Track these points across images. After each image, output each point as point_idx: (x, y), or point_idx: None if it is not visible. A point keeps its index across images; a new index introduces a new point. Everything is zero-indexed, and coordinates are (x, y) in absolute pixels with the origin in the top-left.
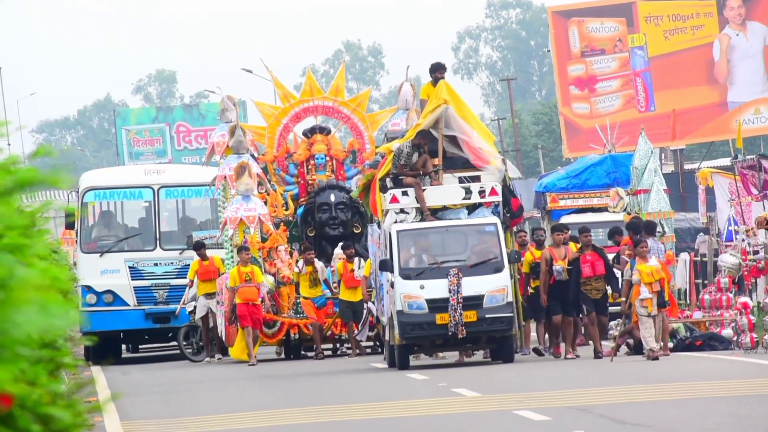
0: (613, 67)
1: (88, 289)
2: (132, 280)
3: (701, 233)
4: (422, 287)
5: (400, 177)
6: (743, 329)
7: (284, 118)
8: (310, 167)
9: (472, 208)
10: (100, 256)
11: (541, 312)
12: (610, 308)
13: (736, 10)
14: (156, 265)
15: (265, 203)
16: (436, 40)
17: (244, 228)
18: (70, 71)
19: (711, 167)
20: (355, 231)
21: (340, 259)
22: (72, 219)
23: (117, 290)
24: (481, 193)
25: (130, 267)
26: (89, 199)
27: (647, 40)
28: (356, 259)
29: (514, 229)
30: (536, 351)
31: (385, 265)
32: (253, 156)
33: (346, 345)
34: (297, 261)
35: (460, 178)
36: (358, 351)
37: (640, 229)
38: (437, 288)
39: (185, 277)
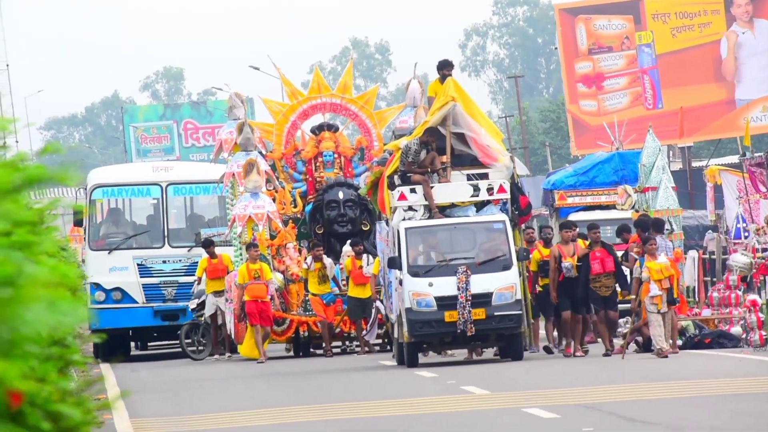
0: (620, 64)
1: (96, 286)
2: (140, 277)
3: (710, 231)
4: (431, 285)
5: (408, 174)
6: (752, 327)
7: (292, 115)
8: (318, 164)
9: (480, 206)
10: (109, 253)
11: (550, 310)
12: (619, 305)
13: (743, 7)
14: (164, 262)
15: (274, 200)
16: (443, 38)
17: (252, 225)
18: (77, 68)
19: (719, 165)
20: (364, 228)
21: (348, 256)
22: (80, 216)
23: (125, 287)
24: (490, 190)
25: (138, 264)
26: (97, 197)
27: (654, 37)
28: (365, 256)
29: (522, 226)
30: (546, 349)
31: (394, 263)
32: (261, 153)
33: (355, 343)
34: (306, 258)
35: (468, 175)
36: (367, 349)
37: (648, 226)
38: (446, 285)
39: (194, 275)
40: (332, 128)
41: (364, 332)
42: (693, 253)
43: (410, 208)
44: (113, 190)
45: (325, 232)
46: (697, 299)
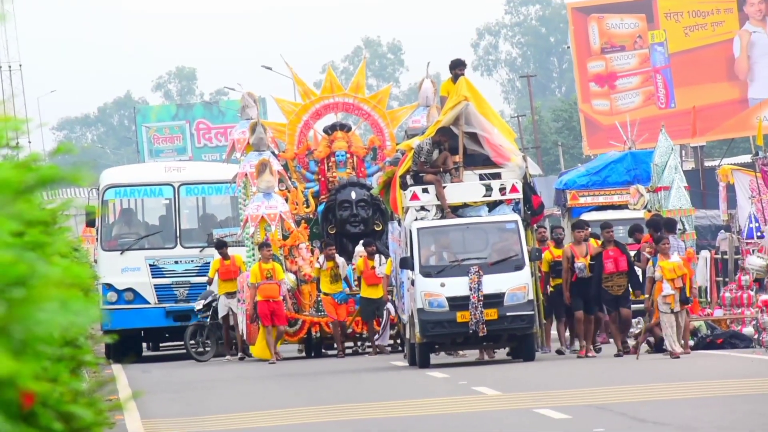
0: (633, 63)
1: (108, 287)
2: (152, 277)
3: (722, 230)
4: (443, 285)
5: (421, 174)
6: (764, 327)
7: (305, 114)
8: (330, 164)
9: (492, 206)
10: (121, 253)
11: (561, 310)
12: (633, 306)
13: (756, 6)
14: (176, 262)
15: (286, 200)
16: (455, 37)
17: (265, 225)
18: (90, 69)
19: (732, 164)
20: (376, 228)
21: (360, 256)
22: (93, 216)
23: (137, 288)
24: (502, 190)
25: (150, 265)
26: (110, 197)
27: (667, 36)
28: (377, 256)
29: (535, 226)
30: (558, 352)
31: (406, 263)
32: (273, 153)
33: (367, 343)
34: (318, 258)
35: (480, 175)
36: (378, 350)
37: (661, 226)
38: (458, 286)
39: (206, 275)
40: (345, 128)
41: (376, 336)
42: (705, 253)
43: (422, 208)
44: (126, 191)
45: (338, 233)
46: (709, 299)
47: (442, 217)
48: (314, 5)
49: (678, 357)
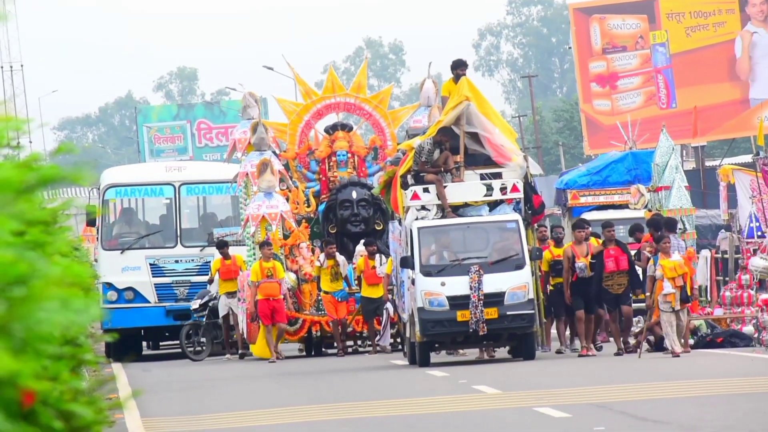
0: (634, 63)
1: (109, 286)
2: (153, 277)
3: (722, 230)
4: (443, 284)
5: (422, 174)
6: (764, 326)
7: (306, 114)
8: (331, 164)
9: (493, 205)
10: (121, 253)
11: (561, 309)
12: (633, 305)
13: (758, 6)
14: (177, 262)
15: (287, 200)
16: (456, 37)
17: (266, 225)
18: (91, 69)
19: (732, 164)
20: (377, 228)
21: (361, 255)
22: (93, 216)
23: (138, 287)
24: (503, 189)
25: (151, 264)
26: (110, 196)
27: (669, 36)
28: (377, 256)
29: (535, 225)
30: (558, 353)
31: (406, 262)
32: (274, 153)
33: (367, 342)
34: (318, 256)
35: (481, 174)
36: (379, 348)
37: (661, 226)
38: (458, 285)
39: (206, 274)
40: (346, 128)
41: (378, 337)
42: (705, 253)
43: (423, 208)
44: (126, 190)
45: (338, 232)
46: (709, 298)
47: (443, 217)
48: (315, 5)
49: (678, 356)
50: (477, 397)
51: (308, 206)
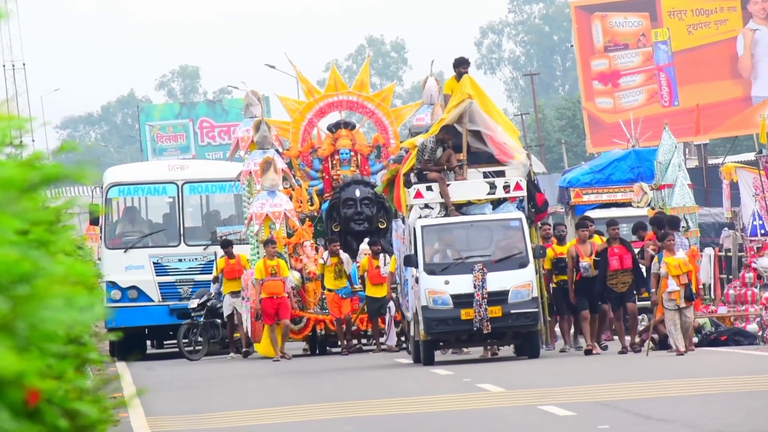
0: (636, 61)
1: (112, 284)
2: (156, 275)
3: (725, 228)
4: (447, 283)
5: (425, 172)
6: None
7: (308, 113)
8: (334, 162)
9: (496, 203)
10: (125, 251)
11: (564, 307)
12: (638, 303)
13: (760, 4)
14: (180, 260)
15: (291, 198)
16: (458, 36)
17: (269, 224)
18: (93, 67)
19: (735, 162)
20: (381, 226)
21: (365, 254)
22: (96, 215)
23: (141, 286)
24: (506, 188)
25: (154, 263)
26: (113, 195)
27: (671, 34)
28: (382, 256)
29: (539, 223)
30: (563, 351)
31: (410, 261)
32: (277, 151)
33: (372, 341)
34: (322, 255)
35: (484, 173)
36: (384, 347)
37: (664, 224)
38: (462, 283)
39: (210, 273)
40: (349, 126)
41: (383, 338)
42: (709, 251)
43: (426, 206)
44: (129, 189)
45: (342, 230)
46: (713, 296)
47: (446, 215)
48: (317, 4)
49: (682, 354)
50: (481, 396)
51: (311, 205)
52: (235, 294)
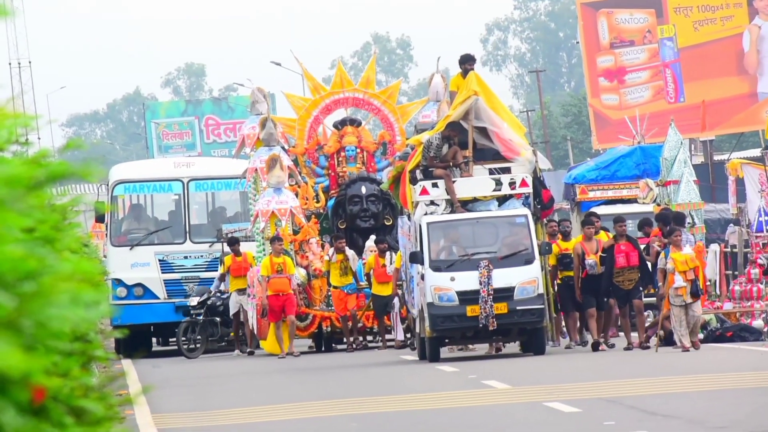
0: (642, 58)
1: (118, 282)
2: (162, 273)
3: (731, 224)
4: (453, 279)
5: (431, 169)
6: None
7: (314, 110)
8: (340, 159)
9: (502, 200)
10: (130, 249)
11: (569, 303)
12: (644, 299)
13: (765, 0)
14: (186, 258)
15: (296, 196)
16: (464, 33)
17: (275, 221)
18: (99, 65)
19: (741, 158)
20: (386, 223)
21: (371, 251)
22: (102, 212)
23: (147, 283)
24: (512, 184)
25: (160, 260)
26: (119, 193)
27: (677, 31)
28: (388, 254)
29: (545, 220)
30: (568, 348)
31: (416, 257)
32: (283, 148)
33: (378, 338)
34: (328, 252)
35: (490, 169)
36: (391, 344)
37: (670, 220)
38: (468, 280)
39: (215, 270)
40: (355, 123)
41: (390, 335)
42: (714, 247)
43: (432, 203)
44: (135, 186)
45: (348, 227)
46: (718, 293)
47: (452, 212)
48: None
49: (688, 350)
50: (487, 392)
51: (317, 202)
52: (242, 291)
